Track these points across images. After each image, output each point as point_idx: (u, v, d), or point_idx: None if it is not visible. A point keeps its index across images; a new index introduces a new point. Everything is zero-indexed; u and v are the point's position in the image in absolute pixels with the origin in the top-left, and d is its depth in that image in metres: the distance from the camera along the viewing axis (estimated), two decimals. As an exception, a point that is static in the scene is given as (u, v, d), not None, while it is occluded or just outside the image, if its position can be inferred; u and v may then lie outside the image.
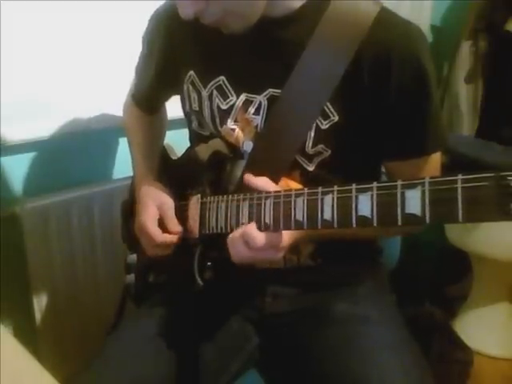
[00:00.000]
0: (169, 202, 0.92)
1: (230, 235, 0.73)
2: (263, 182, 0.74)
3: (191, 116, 0.94)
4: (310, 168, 0.84)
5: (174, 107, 1.08)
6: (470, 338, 1.60)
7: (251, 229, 0.70)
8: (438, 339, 1.45)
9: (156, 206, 0.92)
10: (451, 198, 0.49)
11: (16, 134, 1.17)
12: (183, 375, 0.85)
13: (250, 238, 0.69)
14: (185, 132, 1.01)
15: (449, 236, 1.69)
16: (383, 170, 0.91)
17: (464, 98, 1.86)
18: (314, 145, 0.81)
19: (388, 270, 1.03)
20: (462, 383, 1.47)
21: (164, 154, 1.07)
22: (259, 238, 0.69)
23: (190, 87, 0.90)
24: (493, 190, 0.47)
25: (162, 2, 0.95)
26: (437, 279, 1.86)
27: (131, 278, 1.00)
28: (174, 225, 0.90)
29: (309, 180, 0.83)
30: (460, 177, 0.49)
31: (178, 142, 1.08)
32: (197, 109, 0.91)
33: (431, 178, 0.52)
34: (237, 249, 0.72)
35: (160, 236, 0.89)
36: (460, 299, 1.85)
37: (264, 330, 0.92)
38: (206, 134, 0.92)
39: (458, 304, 1.85)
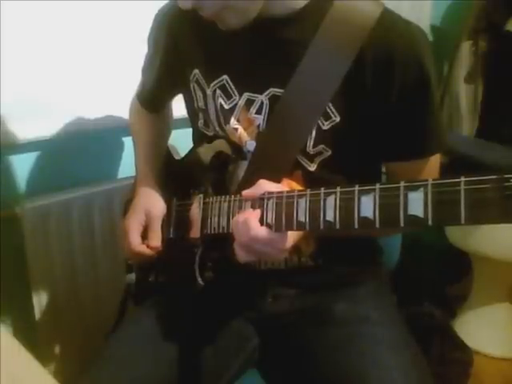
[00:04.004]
0: (158, 213, 0.93)
1: (235, 217, 0.72)
2: (256, 189, 0.72)
3: (198, 114, 0.93)
4: (312, 168, 0.84)
5: (177, 107, 1.08)
6: (470, 338, 1.60)
7: (253, 220, 0.68)
8: (438, 339, 1.46)
9: (145, 212, 0.93)
10: (454, 200, 0.49)
11: (16, 133, 1.17)
12: (183, 375, 0.85)
13: (250, 228, 0.68)
14: (188, 132, 1.00)
15: (449, 236, 1.69)
16: (383, 169, 0.91)
17: (464, 97, 1.85)
18: (315, 145, 0.81)
19: (388, 270, 1.03)
20: (462, 383, 1.48)
21: (167, 154, 1.06)
22: (257, 230, 0.67)
23: (196, 86, 0.90)
24: (496, 193, 0.46)
25: (164, 2, 0.94)
26: (437, 279, 1.86)
27: (132, 277, 1.00)
28: (155, 238, 0.91)
29: (310, 180, 0.83)
30: (463, 179, 0.48)
31: (180, 141, 1.08)
32: (203, 107, 0.91)
33: (434, 179, 0.52)
34: (239, 232, 0.69)
35: (137, 246, 0.91)
36: (460, 299, 1.85)
37: (264, 330, 0.92)
38: (210, 134, 0.92)
39: (457, 304, 1.85)
